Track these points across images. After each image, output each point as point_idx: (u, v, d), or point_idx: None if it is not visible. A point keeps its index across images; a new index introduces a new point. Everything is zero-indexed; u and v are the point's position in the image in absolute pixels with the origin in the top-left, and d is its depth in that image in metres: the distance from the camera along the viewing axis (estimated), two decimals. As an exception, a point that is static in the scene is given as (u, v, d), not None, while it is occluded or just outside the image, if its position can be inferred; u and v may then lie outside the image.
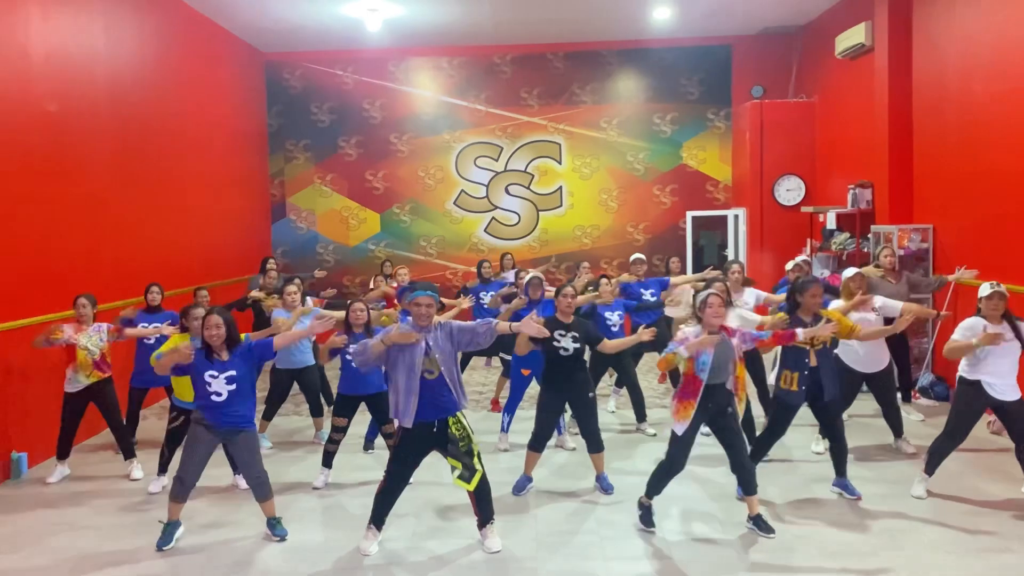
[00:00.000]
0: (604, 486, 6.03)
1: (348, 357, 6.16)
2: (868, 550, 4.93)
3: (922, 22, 8.96)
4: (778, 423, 5.80)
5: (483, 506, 5.06)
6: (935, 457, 5.72)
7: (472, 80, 13.31)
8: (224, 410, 5.08)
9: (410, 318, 5.00)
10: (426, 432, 4.90)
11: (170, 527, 5.25)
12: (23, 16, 7.08)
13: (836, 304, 6.40)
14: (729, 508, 5.62)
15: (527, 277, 7.58)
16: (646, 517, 5.29)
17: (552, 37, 12.82)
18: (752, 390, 6.62)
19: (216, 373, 5.06)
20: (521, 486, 6.04)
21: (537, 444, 5.99)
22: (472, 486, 4.93)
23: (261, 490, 5.24)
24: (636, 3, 10.96)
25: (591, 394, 5.99)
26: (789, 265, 8.02)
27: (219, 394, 5.06)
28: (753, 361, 6.98)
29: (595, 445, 5.98)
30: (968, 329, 5.50)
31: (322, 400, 7.72)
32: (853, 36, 10.07)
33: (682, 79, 13.21)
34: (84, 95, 7.97)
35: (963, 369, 5.61)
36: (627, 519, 5.48)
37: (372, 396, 6.29)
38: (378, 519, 5.08)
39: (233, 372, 5.06)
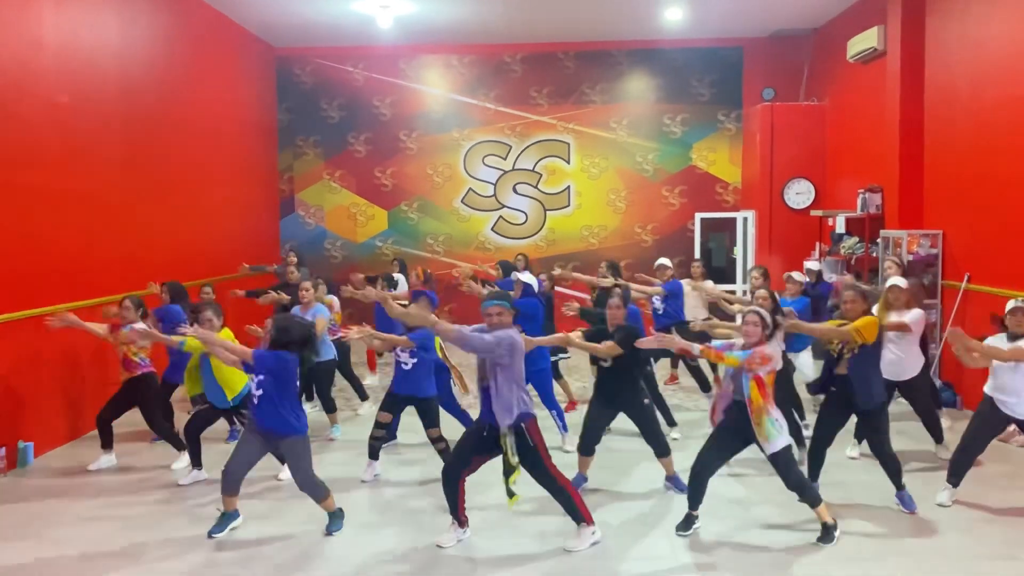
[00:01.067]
0: (677, 487, 5.94)
1: (399, 360, 6.20)
2: (872, 555, 4.92)
3: (935, 28, 8.92)
4: (819, 425, 5.79)
5: (565, 509, 5.08)
6: (955, 467, 5.72)
7: (482, 78, 13.31)
8: (258, 411, 5.10)
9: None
10: (481, 431, 5.00)
11: (226, 517, 5.28)
12: (36, 8, 7.10)
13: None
14: (746, 512, 5.61)
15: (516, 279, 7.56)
16: (683, 524, 5.26)
17: (563, 36, 12.81)
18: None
19: (253, 375, 5.12)
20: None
21: (584, 448, 6.01)
22: (511, 504, 4.97)
23: (313, 493, 5.25)
24: (648, 4, 10.94)
25: (646, 400, 5.95)
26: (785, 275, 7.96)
27: (255, 395, 5.09)
28: (785, 380, 6.63)
29: (660, 449, 5.97)
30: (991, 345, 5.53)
31: (333, 394, 7.75)
32: (865, 40, 10.03)
33: (693, 80, 13.19)
34: (95, 87, 7.99)
35: (986, 386, 5.65)
36: (638, 519, 5.49)
37: (421, 400, 6.25)
38: (452, 510, 5.14)
39: (261, 377, 5.06)
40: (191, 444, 6.27)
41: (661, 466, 6.05)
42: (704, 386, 8.54)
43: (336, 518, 5.32)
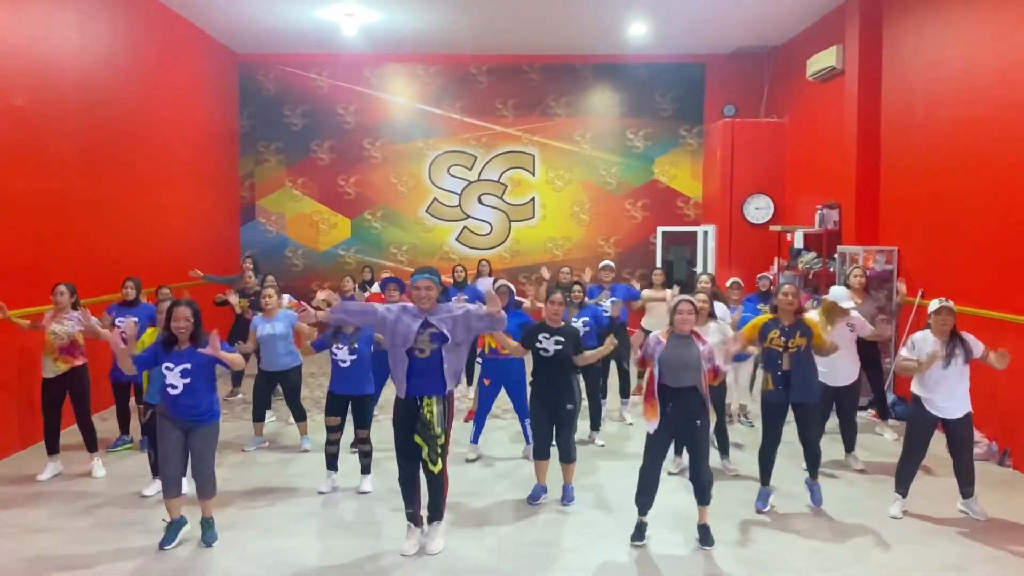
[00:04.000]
0: (566, 497, 6.03)
1: (335, 358, 6.21)
2: (822, 567, 4.97)
3: (892, 48, 9.14)
4: (766, 427, 5.88)
5: (433, 500, 5.11)
6: (901, 477, 5.84)
7: (447, 89, 13.31)
8: (180, 403, 5.03)
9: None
10: (407, 407, 4.95)
11: (172, 526, 5.19)
12: (-8, 7, 6.96)
13: (815, 314, 6.46)
14: (691, 523, 5.63)
15: (496, 284, 7.57)
16: (636, 533, 5.28)
17: (529, 49, 12.87)
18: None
19: (172, 366, 5.02)
20: (536, 495, 6.03)
21: (539, 452, 6.01)
22: (438, 468, 4.96)
23: (205, 488, 5.16)
24: (613, 19, 11.05)
25: (570, 405, 5.97)
26: (729, 282, 8.19)
27: (174, 387, 5.02)
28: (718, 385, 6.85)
29: (566, 455, 6.00)
30: (915, 343, 5.69)
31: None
32: (824, 59, 10.24)
33: (656, 95, 13.34)
34: (53, 90, 7.84)
35: (912, 385, 5.76)
36: (591, 530, 5.49)
37: (358, 397, 6.27)
38: (410, 513, 5.11)
39: (188, 365, 5.01)
40: (154, 451, 6.11)
41: (561, 471, 6.06)
42: (624, 392, 8.58)
43: (211, 527, 5.23)
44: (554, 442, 6.06)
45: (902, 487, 5.83)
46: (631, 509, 5.35)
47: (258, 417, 7.49)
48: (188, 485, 5.34)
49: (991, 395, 6.12)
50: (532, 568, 4.93)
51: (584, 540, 5.35)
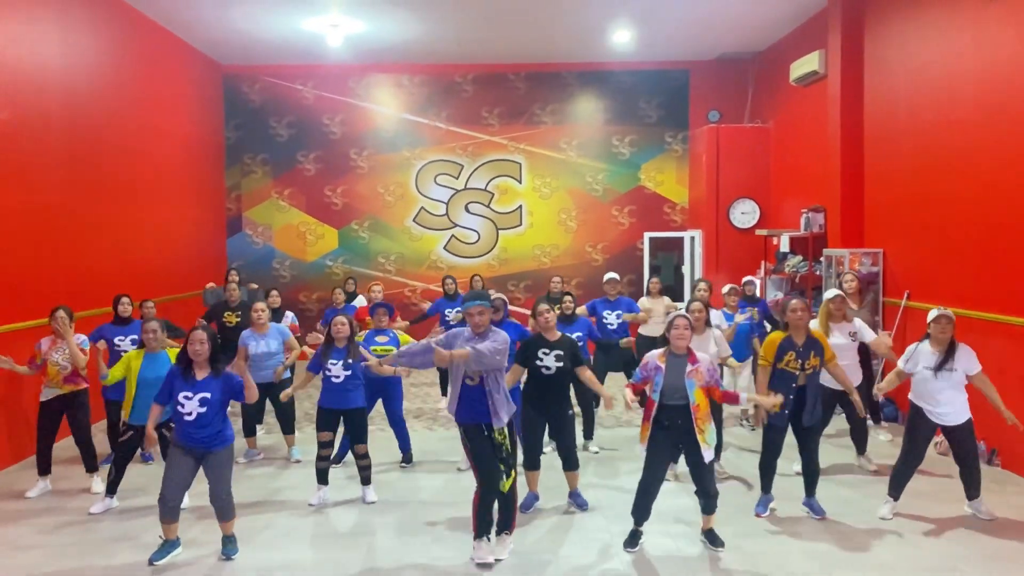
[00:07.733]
0: (579, 503, 6.05)
1: (328, 374, 6.16)
2: (817, 569, 4.98)
3: (874, 52, 9.21)
4: (767, 443, 5.87)
5: (504, 513, 5.18)
6: (896, 480, 5.86)
7: (433, 98, 13.33)
8: (192, 430, 4.99)
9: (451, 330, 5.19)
10: (479, 433, 5.00)
11: (168, 545, 5.16)
12: (-26, 21, 6.92)
13: (814, 324, 6.47)
14: (688, 526, 5.65)
15: (492, 298, 7.51)
16: (629, 540, 5.30)
17: (513, 57, 12.91)
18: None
19: (190, 394, 4.98)
20: (528, 504, 6.03)
21: (529, 463, 5.99)
22: (506, 487, 5.03)
23: (224, 512, 5.15)
24: (597, 26, 11.10)
25: (570, 412, 5.99)
26: (725, 289, 8.12)
27: (189, 414, 4.98)
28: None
29: (570, 463, 6.02)
30: (909, 355, 5.74)
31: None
32: (807, 64, 10.32)
33: (641, 102, 13.39)
34: (36, 103, 7.79)
35: (910, 394, 5.79)
36: (587, 536, 5.49)
37: (349, 411, 6.23)
38: (484, 528, 5.10)
39: (207, 395, 4.98)
40: (118, 474, 6.10)
41: (566, 479, 6.09)
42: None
43: (232, 542, 5.22)
44: (546, 450, 6.05)
45: (895, 490, 5.85)
46: (628, 514, 5.33)
47: (249, 431, 7.44)
48: (188, 499, 5.32)
49: (980, 395, 6.14)
50: (527, 574, 4.93)
51: (579, 546, 5.35)
